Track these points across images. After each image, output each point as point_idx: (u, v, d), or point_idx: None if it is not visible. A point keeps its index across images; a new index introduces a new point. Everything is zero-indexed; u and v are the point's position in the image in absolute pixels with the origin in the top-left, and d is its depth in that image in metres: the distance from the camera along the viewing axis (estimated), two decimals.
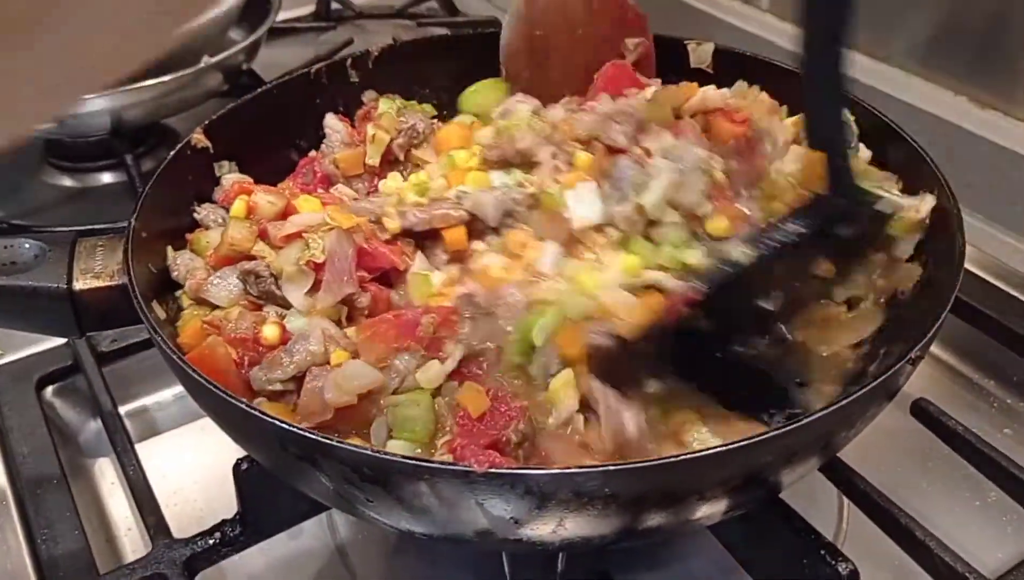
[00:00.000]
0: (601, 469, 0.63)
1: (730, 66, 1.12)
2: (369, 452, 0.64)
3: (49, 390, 1.14)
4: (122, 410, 1.10)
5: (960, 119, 1.28)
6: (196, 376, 0.71)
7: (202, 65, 1.45)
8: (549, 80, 1.11)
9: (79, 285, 0.82)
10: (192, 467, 1.08)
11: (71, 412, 1.14)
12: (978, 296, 1.10)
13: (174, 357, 0.73)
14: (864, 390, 0.67)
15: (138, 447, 1.02)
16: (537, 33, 1.10)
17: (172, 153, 0.95)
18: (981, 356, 1.14)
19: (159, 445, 1.13)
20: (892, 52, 1.39)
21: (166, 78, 1.40)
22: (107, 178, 1.53)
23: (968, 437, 0.95)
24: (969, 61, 1.31)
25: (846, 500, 0.96)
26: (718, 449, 0.63)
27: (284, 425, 0.66)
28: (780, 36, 1.52)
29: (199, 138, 0.98)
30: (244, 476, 0.85)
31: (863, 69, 1.40)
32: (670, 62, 1.13)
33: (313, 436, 0.65)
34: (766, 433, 0.64)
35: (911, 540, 0.85)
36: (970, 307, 1.09)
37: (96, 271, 0.83)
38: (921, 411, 0.97)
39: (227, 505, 0.90)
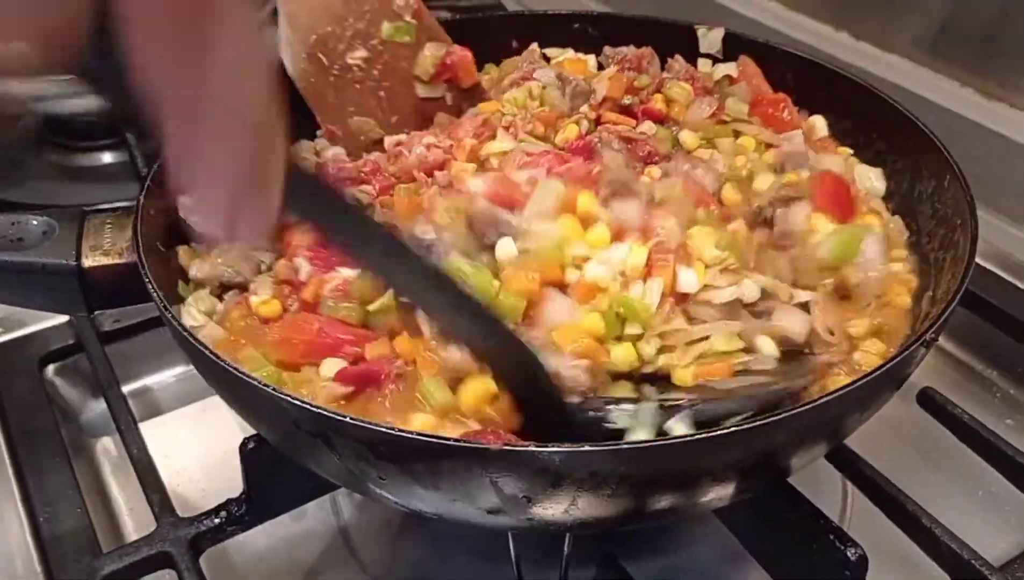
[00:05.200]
0: (616, 448, 0.63)
1: (740, 52, 1.12)
2: (384, 429, 0.64)
3: (51, 369, 1.13)
4: (125, 389, 1.09)
5: (967, 110, 1.28)
6: (208, 354, 0.71)
7: None
8: (363, 102, 1.05)
9: (88, 262, 0.81)
10: (195, 447, 1.08)
11: (73, 391, 1.14)
12: (984, 287, 1.10)
13: (185, 335, 0.72)
14: (876, 373, 0.67)
15: (142, 426, 1.02)
16: (317, 54, 1.02)
17: None
18: (986, 346, 1.14)
19: (162, 425, 1.12)
20: (899, 42, 1.39)
21: None
22: (108, 158, 1.52)
23: (973, 426, 0.95)
24: (976, 52, 1.31)
25: (850, 487, 0.97)
26: (732, 429, 0.63)
27: (297, 402, 0.66)
28: (779, 20, 1.52)
29: None
30: (251, 455, 0.84)
31: (870, 58, 1.41)
32: (680, 47, 1.13)
33: (327, 413, 0.65)
34: (779, 413, 0.64)
35: (916, 527, 0.86)
36: (976, 298, 1.09)
37: (105, 248, 0.82)
38: (928, 400, 0.97)
39: (230, 484, 0.89)
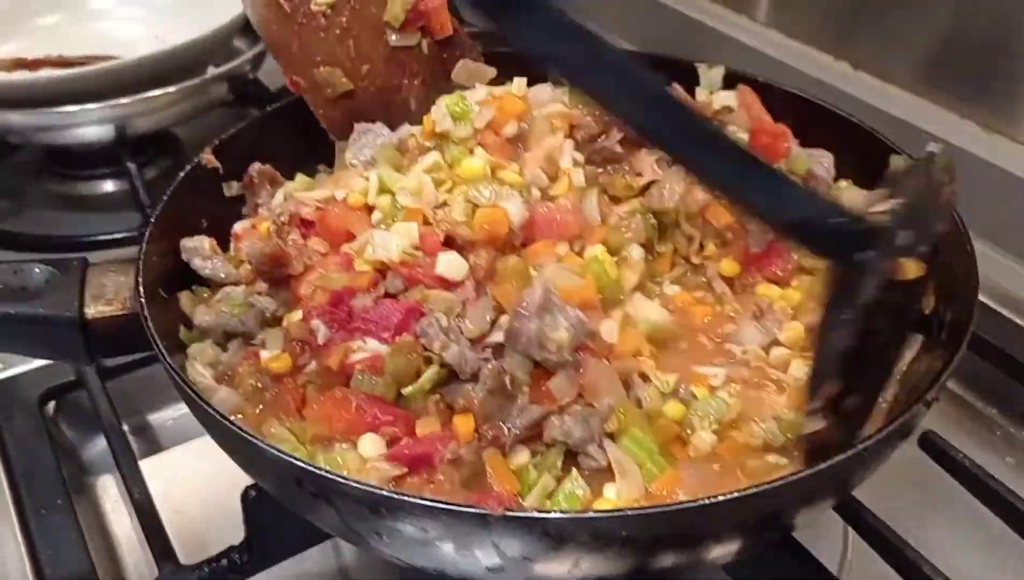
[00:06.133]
0: (620, 513, 0.63)
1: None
2: (386, 493, 0.64)
3: (51, 405, 1.13)
4: (126, 426, 1.10)
5: (968, 144, 1.28)
6: (208, 409, 0.71)
7: (208, 75, 1.44)
8: (330, 52, 1.00)
9: (90, 312, 0.81)
10: (197, 484, 1.07)
11: (73, 429, 1.14)
12: (983, 324, 1.09)
13: (186, 388, 0.72)
14: (882, 434, 0.67)
15: (143, 464, 1.02)
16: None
17: (181, 175, 0.94)
18: (986, 384, 1.14)
19: (164, 461, 1.12)
20: (898, 72, 1.39)
21: (171, 88, 1.39)
22: (109, 187, 1.53)
23: (975, 471, 0.95)
24: (976, 84, 1.31)
25: (851, 531, 0.97)
26: (736, 494, 0.63)
27: (299, 462, 0.66)
28: (778, 49, 1.52)
29: (208, 159, 0.98)
30: (252, 504, 0.84)
31: (868, 88, 1.41)
32: (680, 84, 1.12)
33: (329, 475, 0.65)
34: (784, 478, 0.64)
35: (917, 574, 0.85)
36: (975, 336, 1.08)
37: (107, 297, 0.82)
38: (929, 444, 0.97)
39: (232, 524, 0.89)
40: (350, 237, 0.87)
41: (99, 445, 1.10)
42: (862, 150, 1.02)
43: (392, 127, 1.01)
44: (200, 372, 0.81)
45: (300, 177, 1.00)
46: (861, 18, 1.44)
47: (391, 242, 0.83)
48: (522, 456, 0.74)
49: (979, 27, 1.29)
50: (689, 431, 0.77)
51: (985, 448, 1.09)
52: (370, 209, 0.89)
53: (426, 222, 0.86)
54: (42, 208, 1.49)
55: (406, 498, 0.64)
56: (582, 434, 0.74)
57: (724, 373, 0.82)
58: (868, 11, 1.42)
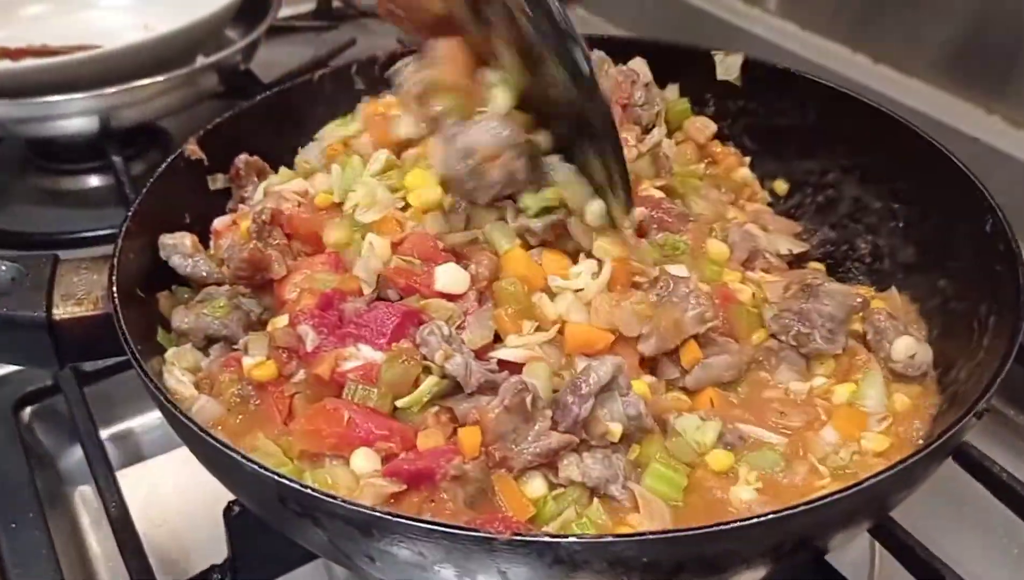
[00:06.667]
0: (641, 538, 0.56)
1: (759, 79, 1.06)
2: (378, 513, 0.57)
3: (27, 412, 1.07)
4: (105, 434, 1.04)
5: (993, 138, 1.22)
6: (184, 420, 0.65)
7: (197, 65, 1.38)
8: None
9: (59, 313, 0.75)
10: (180, 497, 1.01)
11: (50, 436, 1.08)
12: None
13: (161, 397, 0.66)
14: (927, 450, 0.61)
15: (122, 474, 0.96)
16: None
17: (162, 166, 0.88)
18: (1020, 393, 1.08)
19: (144, 472, 1.06)
20: (919, 65, 1.34)
21: (159, 78, 1.33)
22: (94, 181, 1.46)
23: (1011, 483, 0.89)
24: (1001, 78, 1.25)
25: (878, 547, 0.90)
26: (769, 516, 0.57)
27: (284, 480, 0.60)
28: (794, 42, 1.46)
29: (192, 149, 0.91)
30: (236, 520, 0.78)
31: (889, 81, 1.35)
32: (695, 74, 1.07)
33: (314, 493, 0.59)
34: (822, 498, 0.58)
35: None
36: None
37: (78, 297, 0.76)
38: (964, 456, 0.91)
39: (214, 539, 0.83)
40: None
41: (77, 454, 1.04)
42: (887, 141, 0.96)
43: None
44: (179, 379, 0.75)
45: (284, 170, 0.94)
46: (881, 10, 1.38)
47: (369, 264, 0.77)
48: (537, 484, 0.68)
49: (1004, 18, 1.23)
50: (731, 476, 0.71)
51: (1017, 456, 1.03)
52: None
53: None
54: (23, 203, 1.43)
55: (401, 519, 0.57)
56: (602, 474, 0.68)
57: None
58: (888, 2, 1.36)
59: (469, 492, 0.65)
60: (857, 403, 0.78)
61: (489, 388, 0.70)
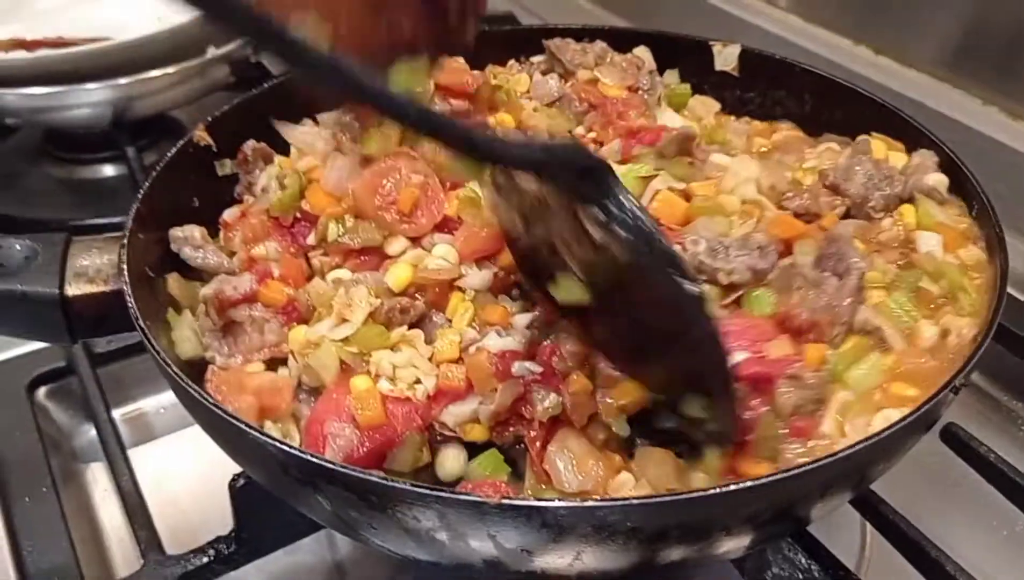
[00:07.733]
0: (625, 503, 0.59)
1: (757, 69, 1.08)
2: (375, 479, 0.60)
3: (41, 392, 1.10)
4: (117, 414, 1.07)
5: (992, 130, 1.23)
6: (192, 391, 0.67)
7: (208, 56, 1.40)
8: None
9: (71, 290, 0.77)
10: (188, 474, 1.04)
11: (64, 415, 1.10)
12: (1007, 314, 1.05)
13: (170, 370, 0.69)
14: (904, 422, 0.63)
15: (133, 452, 0.99)
16: None
17: (172, 151, 0.90)
18: (1010, 377, 1.10)
19: (155, 450, 1.09)
20: (919, 57, 1.35)
21: (171, 69, 1.36)
22: (108, 171, 1.49)
23: (999, 465, 0.91)
24: (1000, 69, 1.26)
25: (868, 526, 0.92)
26: (749, 483, 0.59)
27: (285, 447, 0.62)
28: (803, 37, 1.48)
29: (201, 135, 0.94)
30: (240, 493, 0.81)
31: (889, 73, 1.36)
32: (694, 64, 1.09)
33: (316, 461, 0.61)
34: (801, 466, 0.60)
35: (940, 574, 0.81)
36: (1001, 327, 1.04)
37: (90, 275, 0.78)
38: (951, 436, 0.93)
39: (223, 515, 0.86)
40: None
41: (90, 433, 1.07)
42: (882, 130, 0.98)
43: None
44: (187, 338, 0.78)
45: (295, 152, 0.96)
46: (883, 3, 1.40)
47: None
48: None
49: (1004, 11, 1.24)
50: None
51: (1009, 441, 1.05)
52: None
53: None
54: (38, 191, 1.46)
55: (397, 485, 0.59)
56: None
57: None
58: None
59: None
60: None
61: None
